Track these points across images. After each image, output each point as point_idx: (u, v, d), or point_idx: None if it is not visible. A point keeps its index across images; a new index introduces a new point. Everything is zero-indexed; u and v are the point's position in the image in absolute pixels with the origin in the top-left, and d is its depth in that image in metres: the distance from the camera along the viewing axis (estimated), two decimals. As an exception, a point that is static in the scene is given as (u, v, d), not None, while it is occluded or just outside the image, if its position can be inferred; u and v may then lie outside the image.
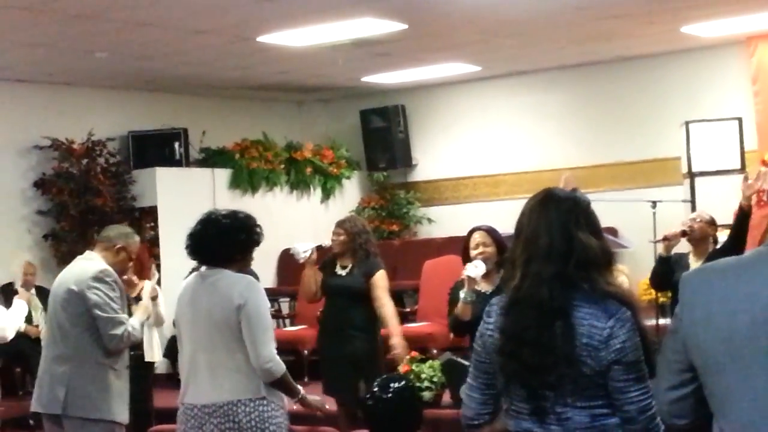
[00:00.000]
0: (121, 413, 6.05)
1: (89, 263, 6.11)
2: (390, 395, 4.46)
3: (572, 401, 3.22)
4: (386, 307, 7.61)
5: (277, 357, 4.98)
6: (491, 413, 3.45)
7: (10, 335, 6.94)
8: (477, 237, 6.30)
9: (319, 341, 8.04)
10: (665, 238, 7.77)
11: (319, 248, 7.80)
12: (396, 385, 4.51)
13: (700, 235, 7.56)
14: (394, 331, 7.68)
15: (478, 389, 3.45)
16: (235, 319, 4.91)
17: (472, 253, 6.27)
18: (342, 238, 7.68)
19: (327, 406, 5.29)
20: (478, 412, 3.46)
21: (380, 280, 7.65)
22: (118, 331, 5.94)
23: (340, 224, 7.82)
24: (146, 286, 8.62)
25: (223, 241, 5.06)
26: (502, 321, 3.31)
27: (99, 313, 5.92)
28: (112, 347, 5.98)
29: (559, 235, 3.27)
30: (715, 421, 2.72)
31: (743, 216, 7.24)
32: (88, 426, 5.96)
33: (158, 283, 11.77)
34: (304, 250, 7.61)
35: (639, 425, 3.23)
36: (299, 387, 5.14)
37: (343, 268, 7.71)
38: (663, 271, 7.65)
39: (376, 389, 4.52)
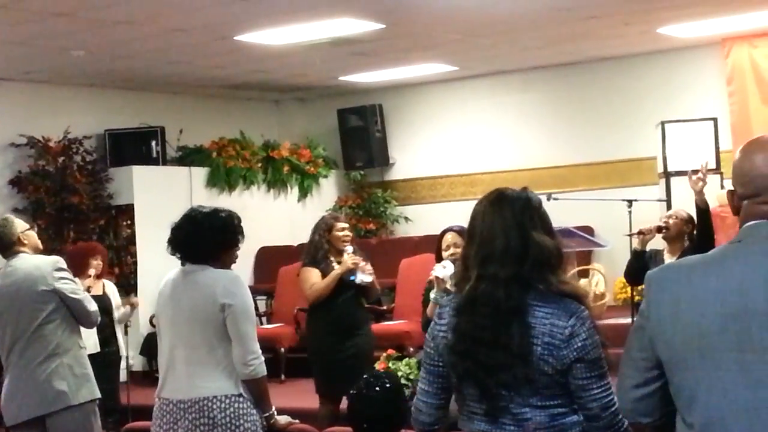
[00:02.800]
0: (97, 388, 6.30)
1: (35, 260, 6.20)
2: (374, 394, 4.42)
3: (532, 401, 3.22)
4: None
5: (262, 357, 4.97)
6: (446, 417, 3.45)
7: None
8: (449, 238, 6.28)
9: (326, 340, 7.55)
10: (640, 232, 7.82)
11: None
12: (382, 384, 4.48)
13: (676, 232, 7.61)
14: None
15: (434, 395, 3.42)
16: (217, 315, 4.89)
17: (444, 253, 6.27)
18: (351, 234, 7.71)
19: (297, 422, 5.26)
20: (437, 417, 3.44)
21: None
22: (94, 306, 6.30)
23: (343, 220, 7.80)
24: (107, 286, 8.80)
25: (201, 240, 5.04)
26: (456, 320, 3.30)
27: (75, 296, 6.15)
28: (93, 321, 6.33)
29: (515, 235, 3.26)
30: (680, 417, 2.74)
31: (701, 212, 7.33)
32: (85, 410, 6.11)
33: (134, 280, 11.81)
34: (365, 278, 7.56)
35: (603, 422, 3.24)
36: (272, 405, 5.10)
37: (339, 263, 7.60)
38: (637, 265, 7.69)
39: (361, 387, 4.49)
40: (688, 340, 2.69)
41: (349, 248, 7.60)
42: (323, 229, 7.65)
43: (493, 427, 3.26)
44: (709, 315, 2.66)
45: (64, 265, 6.25)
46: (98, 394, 6.23)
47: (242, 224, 5.18)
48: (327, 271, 7.53)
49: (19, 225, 6.31)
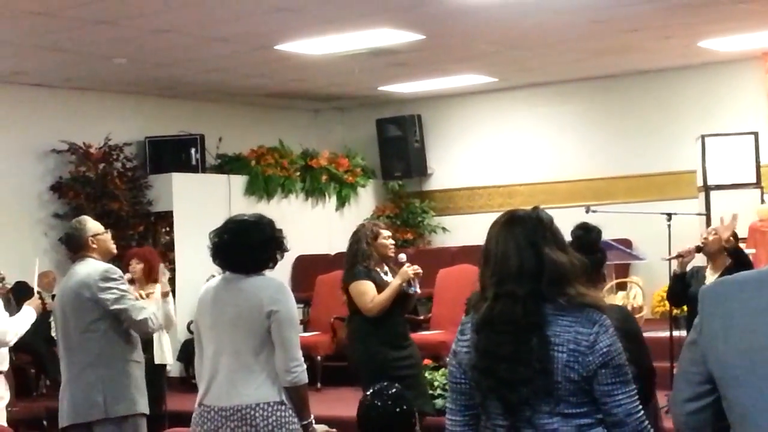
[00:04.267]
0: (146, 404, 6.22)
1: (90, 267, 6.16)
2: (383, 403, 4.45)
3: (559, 409, 3.24)
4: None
5: (304, 365, 4.98)
6: None
7: (11, 340, 6.66)
8: None
9: (384, 351, 7.22)
10: (679, 255, 7.75)
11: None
12: (389, 392, 4.51)
13: (715, 248, 7.51)
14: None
15: (459, 412, 3.45)
16: (263, 322, 4.89)
17: None
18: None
19: (334, 431, 5.26)
20: None
21: None
22: (144, 315, 6.12)
23: (384, 227, 7.56)
24: (157, 289, 8.72)
25: (252, 251, 5.02)
26: (476, 338, 3.32)
27: (120, 306, 6.05)
28: (144, 331, 6.24)
29: (529, 254, 3.30)
30: None
31: (733, 251, 7.37)
32: (124, 424, 6.08)
33: (172, 286, 11.86)
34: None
35: (628, 428, 3.26)
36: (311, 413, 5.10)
37: (385, 274, 7.37)
38: (679, 288, 7.63)
39: (369, 396, 4.51)
40: (739, 357, 2.64)
41: (403, 256, 7.43)
42: (370, 237, 7.34)
43: None
44: (761, 331, 2.61)
45: (115, 274, 6.12)
46: (141, 409, 6.13)
47: (282, 230, 5.18)
48: (379, 282, 7.26)
49: (91, 228, 6.24)
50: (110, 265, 6.26)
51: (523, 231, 3.34)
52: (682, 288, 7.58)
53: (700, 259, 7.86)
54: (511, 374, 3.22)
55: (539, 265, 3.29)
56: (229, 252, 5.03)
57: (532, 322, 3.23)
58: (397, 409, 4.42)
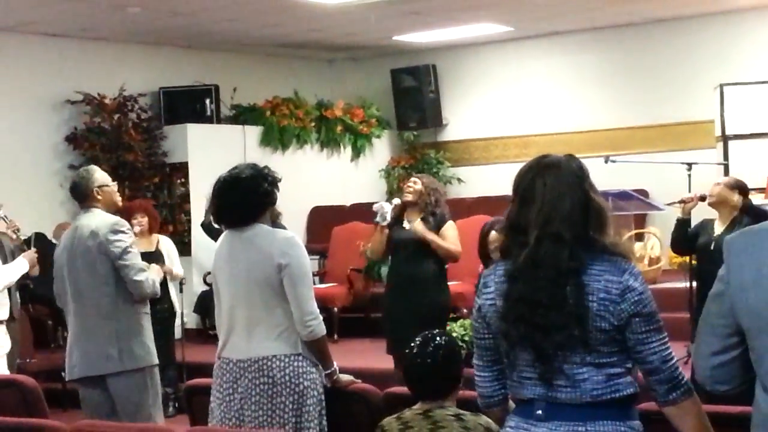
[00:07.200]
0: (156, 354, 6.22)
1: (99, 219, 6.10)
2: (430, 351, 4.37)
3: (589, 359, 3.21)
4: (451, 245, 7.59)
5: (320, 317, 4.96)
6: (505, 387, 3.44)
7: None
8: (494, 237, 6.04)
9: (388, 298, 7.73)
10: (682, 201, 7.72)
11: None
12: (437, 341, 4.42)
13: (719, 198, 7.41)
14: (439, 242, 7.56)
15: (486, 368, 3.45)
16: (275, 276, 4.88)
17: (492, 255, 6.09)
18: (418, 187, 7.55)
19: (359, 382, 5.23)
20: (494, 389, 3.46)
21: (448, 229, 7.63)
22: (141, 277, 6.05)
23: (418, 176, 7.80)
24: (162, 242, 8.84)
25: (243, 205, 4.99)
26: (509, 287, 3.28)
27: (121, 262, 6.00)
28: (138, 294, 6.08)
29: (579, 196, 3.27)
30: (759, 384, 2.68)
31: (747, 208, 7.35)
32: (138, 376, 6.08)
33: (188, 238, 11.87)
34: (387, 211, 7.51)
35: (663, 374, 3.23)
36: (334, 362, 5.09)
37: (410, 222, 7.56)
38: (679, 234, 7.60)
39: (416, 345, 4.43)
40: None
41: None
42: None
43: (548, 389, 3.25)
44: None
45: (123, 227, 6.08)
46: (153, 361, 6.14)
47: (268, 169, 5.09)
48: (392, 229, 7.65)
49: (98, 179, 6.16)
50: (119, 218, 6.20)
51: (571, 173, 3.31)
52: (682, 234, 7.55)
53: (710, 213, 7.77)
54: (545, 320, 3.19)
55: (586, 209, 3.27)
56: (216, 211, 5.05)
57: (573, 268, 3.20)
58: (443, 359, 4.31)
